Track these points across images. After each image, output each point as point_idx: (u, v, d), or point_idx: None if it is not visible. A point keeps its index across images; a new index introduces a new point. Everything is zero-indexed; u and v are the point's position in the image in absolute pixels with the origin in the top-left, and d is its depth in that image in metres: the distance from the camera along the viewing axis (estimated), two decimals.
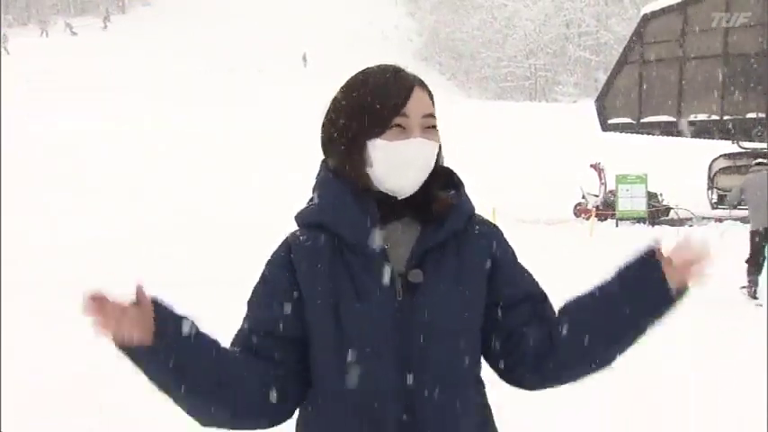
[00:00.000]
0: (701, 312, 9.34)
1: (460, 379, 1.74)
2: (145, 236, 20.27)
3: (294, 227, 1.96)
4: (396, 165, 1.71)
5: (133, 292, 1.58)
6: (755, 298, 10.65)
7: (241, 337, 1.76)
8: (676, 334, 8.84)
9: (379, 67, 1.81)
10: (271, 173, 31.25)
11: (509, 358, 1.79)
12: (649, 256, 1.70)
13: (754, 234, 10.98)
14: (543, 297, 1.82)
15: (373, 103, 1.71)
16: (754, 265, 10.83)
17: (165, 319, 1.59)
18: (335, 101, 1.81)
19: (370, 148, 1.71)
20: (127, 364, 2.59)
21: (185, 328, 1.62)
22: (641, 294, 1.69)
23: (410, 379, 1.68)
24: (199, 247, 18.11)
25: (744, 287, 10.81)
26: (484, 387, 1.82)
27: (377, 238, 1.70)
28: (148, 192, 29.98)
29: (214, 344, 1.68)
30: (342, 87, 1.82)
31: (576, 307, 1.77)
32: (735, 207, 12.51)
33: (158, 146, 38.43)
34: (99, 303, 1.54)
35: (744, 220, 15.95)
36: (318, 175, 1.83)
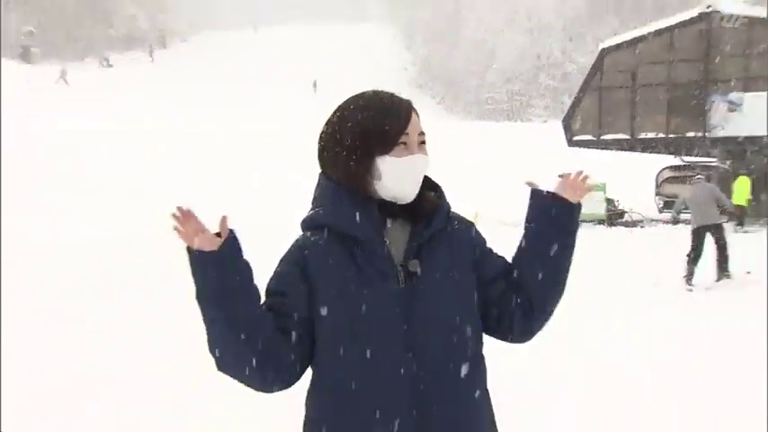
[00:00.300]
0: (648, 295, 10.39)
1: (458, 353, 1.77)
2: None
3: (290, 228, 1.99)
4: (403, 176, 1.76)
5: (219, 223, 1.66)
6: (689, 284, 10.98)
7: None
8: (623, 315, 8.97)
9: (374, 92, 1.84)
10: (270, 173, 30.10)
11: (503, 320, 1.85)
12: (536, 194, 1.90)
13: (694, 231, 11.34)
14: (511, 266, 1.89)
15: (381, 125, 1.75)
16: (692, 257, 11.14)
17: (232, 242, 1.65)
18: (340, 121, 1.81)
19: (378, 164, 1.75)
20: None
21: (244, 261, 1.69)
22: (548, 217, 1.86)
23: (414, 354, 1.71)
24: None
25: (685, 276, 11.12)
26: (484, 363, 1.85)
27: (382, 237, 1.75)
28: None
29: (257, 291, 1.72)
30: (341, 109, 1.83)
31: (521, 256, 1.88)
32: (679, 213, 12.88)
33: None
34: (185, 216, 1.64)
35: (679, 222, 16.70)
36: (319, 185, 1.85)
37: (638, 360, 6.88)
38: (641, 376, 6.40)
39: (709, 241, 11.23)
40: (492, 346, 1.90)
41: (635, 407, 5.42)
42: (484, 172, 28.59)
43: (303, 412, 1.81)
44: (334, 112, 1.83)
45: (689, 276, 11.02)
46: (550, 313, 1.87)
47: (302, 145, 13.92)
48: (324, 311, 1.71)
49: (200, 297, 1.65)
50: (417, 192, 1.77)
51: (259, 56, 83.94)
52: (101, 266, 13.59)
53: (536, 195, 1.88)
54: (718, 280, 11.06)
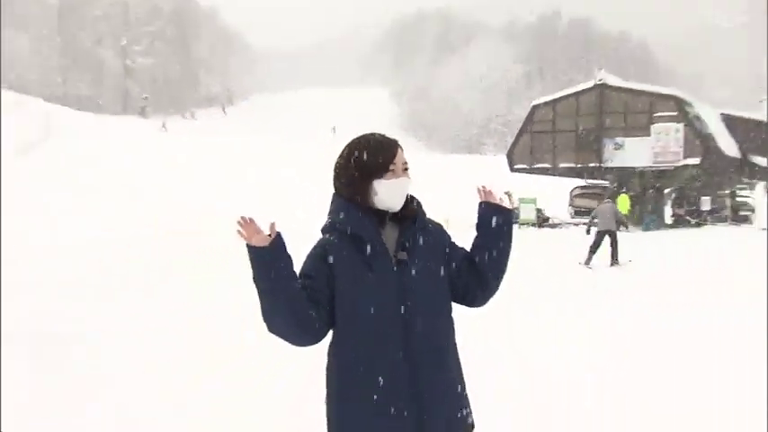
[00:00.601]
0: (563, 275, 10.44)
1: (436, 311, 1.73)
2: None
3: (310, 230, 1.92)
4: (392, 193, 1.71)
5: (269, 226, 1.62)
6: (588, 265, 11.50)
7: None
8: (551, 287, 8.78)
9: (371, 134, 1.78)
10: (301, 191, 27.54)
11: (467, 292, 1.79)
12: (484, 204, 1.85)
13: (598, 233, 11.89)
14: (470, 254, 1.81)
15: (376, 158, 1.71)
16: (593, 248, 11.70)
17: (279, 240, 1.63)
18: (348, 156, 1.75)
19: (375, 185, 1.70)
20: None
21: (287, 254, 1.64)
22: (487, 218, 1.82)
23: (404, 311, 1.68)
24: (202, 244, 14.91)
25: (581, 262, 11.60)
26: (452, 318, 1.78)
27: (380, 236, 1.71)
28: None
29: (295, 274, 1.66)
30: (348, 147, 1.77)
31: (477, 246, 1.82)
32: (593, 220, 12.48)
33: (222, 167, 33.87)
34: (246, 222, 1.61)
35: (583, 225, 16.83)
36: (333, 202, 1.77)
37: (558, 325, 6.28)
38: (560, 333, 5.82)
39: (606, 240, 11.68)
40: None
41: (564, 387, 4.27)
42: (452, 188, 26.84)
43: (323, 384, 1.74)
44: (344, 150, 1.78)
45: (588, 260, 11.48)
46: (498, 286, 1.82)
47: (324, 169, 14.79)
48: (341, 286, 1.67)
49: (256, 279, 1.62)
50: (403, 203, 1.74)
51: (295, 109, 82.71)
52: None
53: (484, 205, 1.85)
54: (612, 265, 11.43)
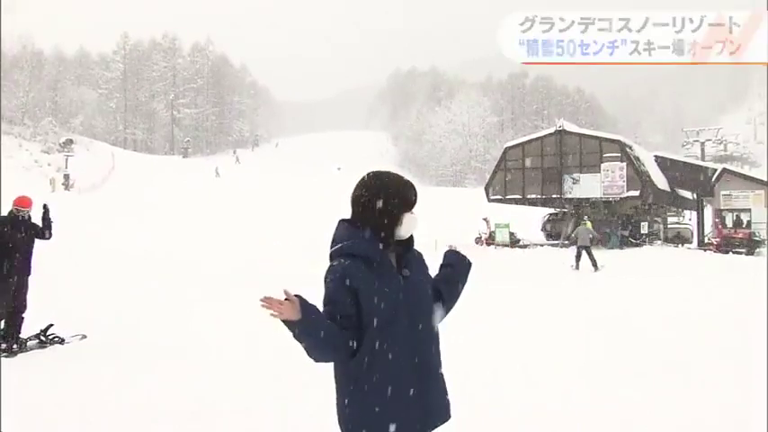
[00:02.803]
0: (568, 259, 12.71)
1: (430, 311, 1.70)
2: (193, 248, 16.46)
3: (317, 253, 1.83)
4: (412, 226, 1.68)
5: (283, 295, 1.51)
6: (576, 267, 13.33)
7: (329, 317, 1.59)
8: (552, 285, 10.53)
9: (387, 172, 1.70)
10: (310, 217, 25.80)
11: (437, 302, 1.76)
12: (448, 253, 1.89)
13: (578, 248, 13.66)
14: (435, 283, 1.78)
15: (408, 195, 1.66)
16: (577, 258, 13.63)
17: (306, 306, 1.52)
18: (372, 191, 1.65)
19: (404, 218, 1.65)
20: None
21: (315, 312, 1.54)
22: (452, 260, 1.87)
23: (412, 315, 1.64)
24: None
25: (571, 265, 13.45)
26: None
27: (387, 258, 1.66)
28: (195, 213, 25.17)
29: (327, 321, 1.56)
30: (369, 185, 1.67)
31: (441, 280, 1.81)
32: (569, 238, 13.73)
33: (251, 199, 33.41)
34: (269, 300, 1.49)
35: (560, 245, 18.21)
36: (339, 229, 1.67)
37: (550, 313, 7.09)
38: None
39: (585, 254, 13.49)
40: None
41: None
42: (440, 215, 26.47)
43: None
44: (363, 186, 1.68)
45: (576, 265, 13.35)
46: (449, 311, 1.82)
47: (330, 200, 14.58)
48: (366, 303, 1.59)
49: (298, 338, 1.54)
50: None
51: (310, 149, 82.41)
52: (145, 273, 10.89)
53: (451, 252, 1.89)
54: (595, 271, 12.94)
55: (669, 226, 26.62)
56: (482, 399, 3.59)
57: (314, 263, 1.93)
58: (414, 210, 1.69)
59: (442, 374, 1.73)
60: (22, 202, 5.31)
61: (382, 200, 1.64)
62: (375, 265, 1.62)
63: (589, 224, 15.30)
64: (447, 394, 1.74)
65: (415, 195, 1.69)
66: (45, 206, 5.50)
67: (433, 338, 1.71)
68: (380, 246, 1.64)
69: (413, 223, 1.68)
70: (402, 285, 1.65)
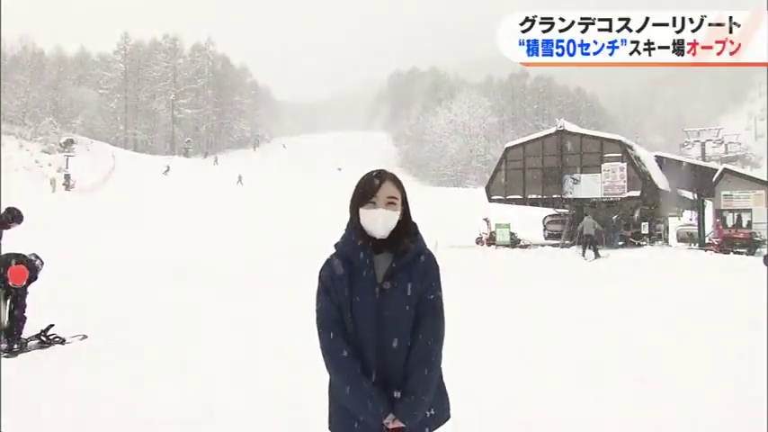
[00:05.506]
0: (569, 259, 13.47)
1: (405, 335, 1.61)
2: (194, 246, 16.33)
3: (323, 247, 1.94)
4: (371, 221, 1.62)
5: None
6: (583, 256, 14.81)
7: (332, 320, 1.62)
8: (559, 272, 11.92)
9: (369, 172, 1.70)
10: (312, 213, 26.54)
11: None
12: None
13: (582, 237, 15.08)
14: (421, 310, 1.64)
15: (363, 190, 1.65)
16: (583, 248, 14.98)
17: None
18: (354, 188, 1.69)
19: (360, 213, 1.63)
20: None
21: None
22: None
23: (379, 333, 1.60)
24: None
25: (581, 254, 15.08)
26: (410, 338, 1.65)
27: (371, 263, 1.62)
28: (197, 212, 25.23)
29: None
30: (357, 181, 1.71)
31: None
32: (576, 235, 13.95)
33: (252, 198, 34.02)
34: None
35: (560, 245, 18.43)
36: (347, 227, 1.69)
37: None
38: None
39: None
40: None
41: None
42: (441, 216, 26.41)
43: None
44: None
45: (583, 254, 14.91)
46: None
47: (330, 199, 14.78)
48: (339, 300, 1.61)
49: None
50: (387, 233, 1.62)
51: (311, 150, 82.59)
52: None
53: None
54: (596, 258, 14.65)
55: (681, 226, 26.73)
56: (484, 399, 3.60)
57: (314, 263, 1.88)
58: (376, 201, 1.62)
59: (429, 375, 1.62)
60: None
61: (353, 199, 1.66)
62: (356, 270, 1.61)
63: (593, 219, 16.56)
64: (446, 396, 1.72)
65: (371, 186, 1.64)
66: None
67: (397, 351, 1.61)
68: (360, 244, 1.62)
69: (368, 216, 1.63)
70: (376, 299, 1.60)
